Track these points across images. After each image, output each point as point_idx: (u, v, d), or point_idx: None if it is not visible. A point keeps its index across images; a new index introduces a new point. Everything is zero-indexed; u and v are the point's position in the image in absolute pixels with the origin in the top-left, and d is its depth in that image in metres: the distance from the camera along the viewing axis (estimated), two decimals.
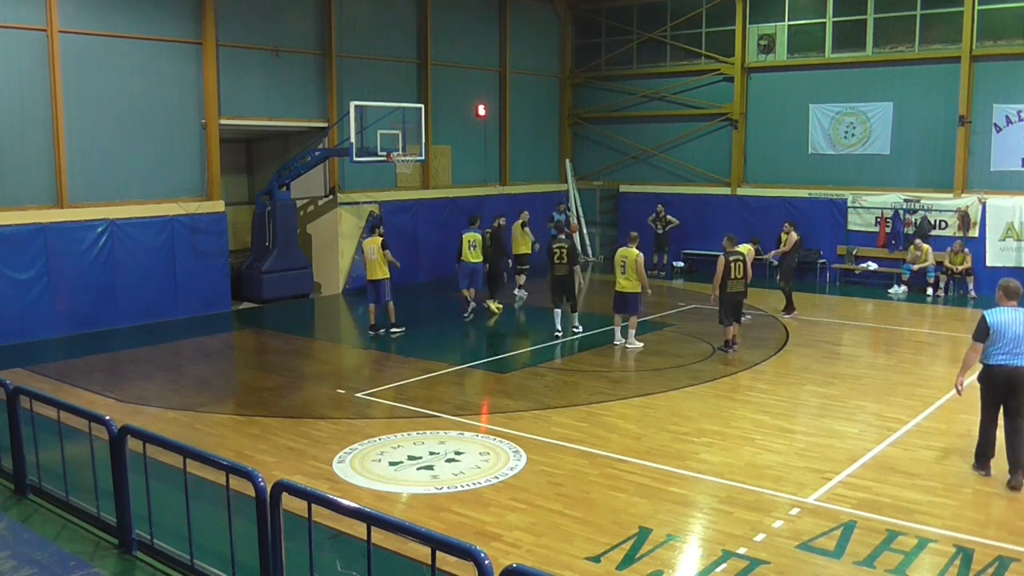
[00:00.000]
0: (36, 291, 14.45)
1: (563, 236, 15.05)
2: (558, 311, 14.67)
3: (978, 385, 8.27)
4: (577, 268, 14.73)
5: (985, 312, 8.12)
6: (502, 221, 17.30)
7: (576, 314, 14.96)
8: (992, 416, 8.17)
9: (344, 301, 18.98)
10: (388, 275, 14.81)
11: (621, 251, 13.84)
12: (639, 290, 13.60)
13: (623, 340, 13.92)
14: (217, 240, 16.90)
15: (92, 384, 11.76)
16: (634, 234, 14.14)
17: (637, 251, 13.61)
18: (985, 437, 8.22)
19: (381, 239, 14.89)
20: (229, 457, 6.96)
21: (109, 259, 15.29)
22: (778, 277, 17.25)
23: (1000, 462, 8.12)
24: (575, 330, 14.75)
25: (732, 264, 13.24)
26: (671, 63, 23.30)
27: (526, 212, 19.02)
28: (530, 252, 18.55)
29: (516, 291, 18.37)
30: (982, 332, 8.05)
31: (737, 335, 13.54)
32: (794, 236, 16.56)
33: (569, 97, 25.12)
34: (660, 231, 21.83)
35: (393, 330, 14.99)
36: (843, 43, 20.54)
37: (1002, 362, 7.93)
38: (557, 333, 14.58)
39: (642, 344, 13.89)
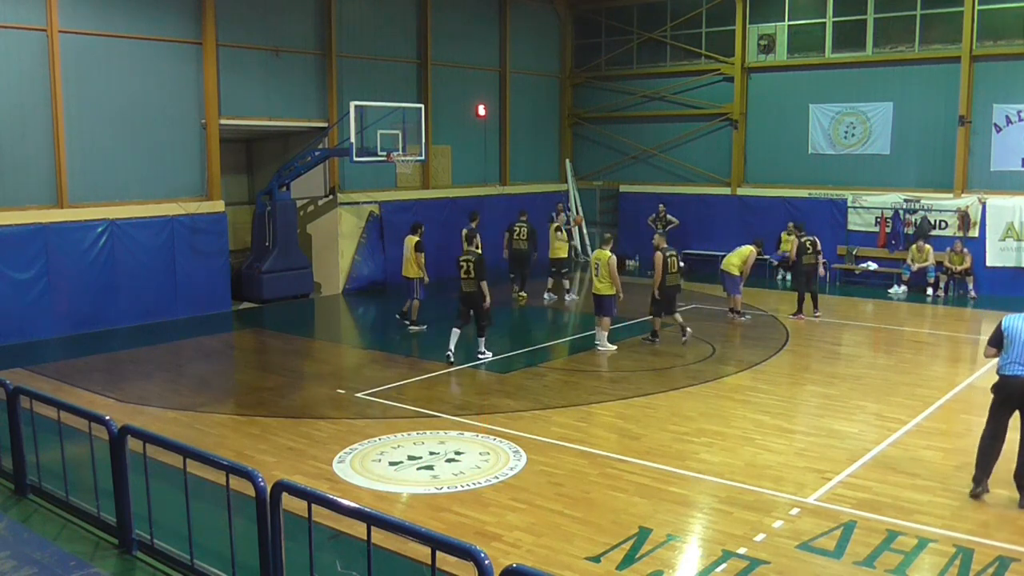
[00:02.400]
0: (36, 291, 14.44)
1: (471, 246, 13.54)
2: (456, 331, 13.02)
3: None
4: (484, 283, 12.95)
5: (1004, 316, 7.79)
6: (562, 216, 18.93)
7: (484, 339, 13.14)
8: (998, 430, 7.64)
9: (344, 301, 18.98)
10: (419, 274, 15.06)
11: (595, 253, 14.00)
12: (612, 292, 13.60)
13: (598, 342, 13.90)
14: (217, 240, 16.90)
15: (92, 384, 11.76)
16: (608, 235, 14.28)
17: (610, 252, 13.65)
18: (986, 454, 7.68)
19: (416, 239, 15.15)
20: (229, 457, 6.96)
21: (109, 259, 15.28)
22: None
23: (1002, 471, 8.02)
24: (480, 356, 13.01)
25: (668, 259, 13.99)
26: (671, 63, 23.29)
27: (562, 215, 19.30)
28: (566, 256, 18.63)
29: (566, 296, 18.49)
30: (996, 337, 7.72)
31: (684, 324, 14.14)
32: (793, 240, 16.56)
33: (569, 97, 25.12)
34: (660, 231, 21.78)
35: (409, 324, 15.18)
36: (843, 43, 20.54)
37: (1018, 373, 7.48)
38: (448, 354, 12.84)
39: (615, 347, 13.76)
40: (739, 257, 15.78)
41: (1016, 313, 7.78)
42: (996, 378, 7.71)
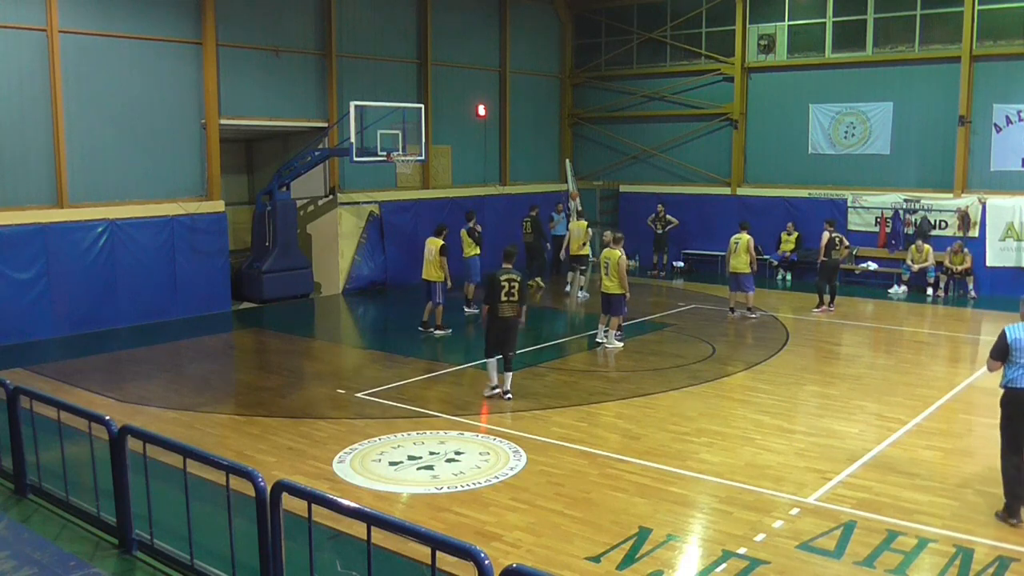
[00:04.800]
0: (36, 291, 14.44)
1: (509, 265, 11.21)
2: (492, 361, 11.11)
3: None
4: (526, 308, 11.28)
5: (1006, 327, 7.29)
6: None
7: (511, 374, 11.13)
8: (1015, 449, 7.24)
9: (344, 301, 18.98)
10: (440, 277, 14.69)
11: (604, 252, 13.99)
12: (623, 291, 13.64)
13: (605, 339, 13.94)
14: (217, 240, 16.89)
15: (92, 384, 11.76)
16: (619, 235, 14.27)
17: (620, 252, 13.67)
18: (1011, 477, 7.25)
19: (442, 243, 14.81)
20: (229, 457, 6.97)
21: (109, 259, 15.28)
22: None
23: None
24: (507, 397, 10.99)
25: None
26: (671, 63, 23.28)
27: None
28: (587, 253, 18.66)
29: (578, 292, 18.54)
30: (1000, 349, 7.22)
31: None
32: (825, 236, 16.86)
33: (569, 97, 25.11)
34: (660, 231, 21.83)
35: (437, 332, 14.84)
36: (843, 43, 20.53)
37: None
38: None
39: (622, 345, 13.86)
40: (745, 253, 15.79)
41: (1017, 323, 7.33)
42: (1002, 392, 7.31)
